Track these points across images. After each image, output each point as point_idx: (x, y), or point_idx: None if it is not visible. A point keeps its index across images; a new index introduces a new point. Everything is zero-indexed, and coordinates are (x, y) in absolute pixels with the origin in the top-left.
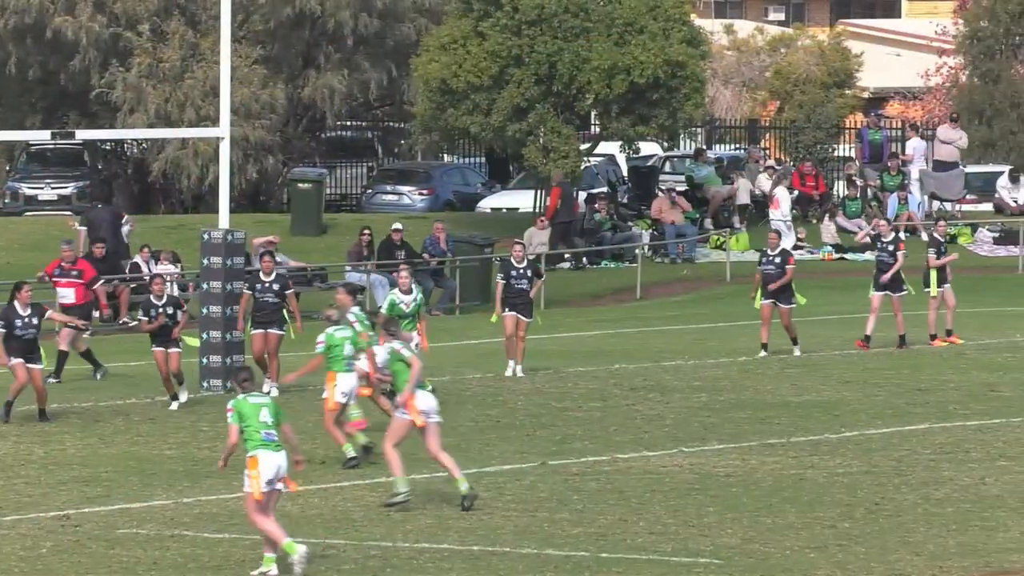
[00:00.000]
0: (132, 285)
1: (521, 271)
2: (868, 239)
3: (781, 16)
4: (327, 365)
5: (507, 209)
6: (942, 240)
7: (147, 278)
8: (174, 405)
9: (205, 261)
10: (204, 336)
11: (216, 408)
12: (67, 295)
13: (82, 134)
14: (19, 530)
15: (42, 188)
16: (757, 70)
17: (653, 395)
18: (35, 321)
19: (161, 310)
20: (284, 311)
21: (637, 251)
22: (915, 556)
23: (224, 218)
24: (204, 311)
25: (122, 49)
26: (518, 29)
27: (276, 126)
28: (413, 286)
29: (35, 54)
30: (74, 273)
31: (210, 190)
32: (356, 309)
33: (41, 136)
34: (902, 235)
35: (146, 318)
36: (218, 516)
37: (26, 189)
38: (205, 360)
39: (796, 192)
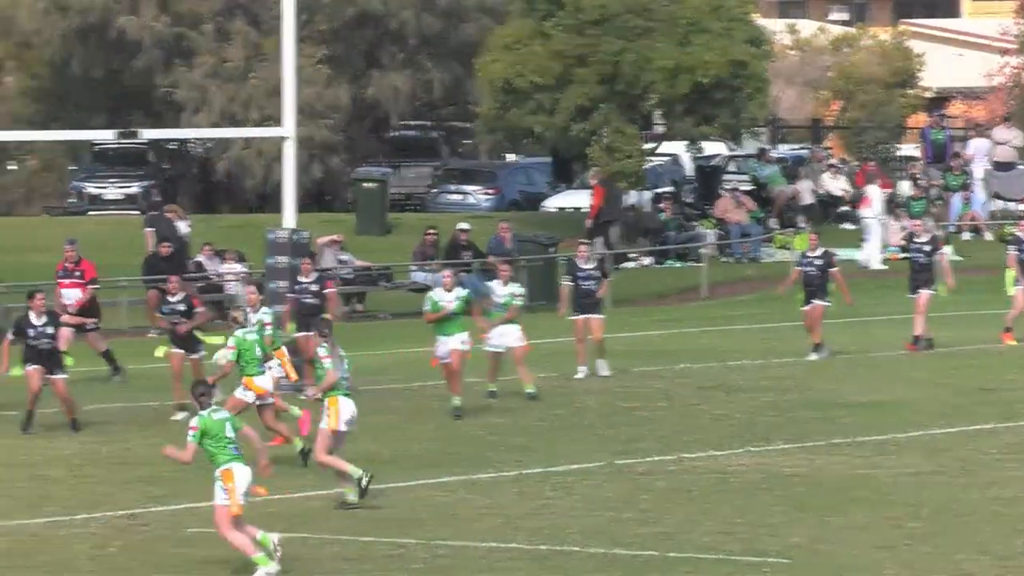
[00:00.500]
0: (199, 284)
1: (588, 271)
2: (904, 240)
3: (843, 16)
4: (241, 370)
5: (572, 208)
6: None
7: (212, 276)
8: (179, 415)
9: (271, 260)
10: None
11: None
12: (71, 296)
13: (147, 134)
14: (89, 529)
15: (106, 187)
16: (820, 70)
17: (719, 395)
18: (50, 330)
19: (172, 308)
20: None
21: (702, 251)
22: (982, 556)
23: (289, 217)
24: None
25: (185, 48)
26: (581, 29)
27: (340, 126)
28: (457, 286)
29: (99, 54)
30: (77, 274)
31: (274, 189)
32: (266, 308)
33: (106, 136)
34: (966, 235)
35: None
36: (287, 515)
37: (91, 188)
38: None
39: (889, 192)
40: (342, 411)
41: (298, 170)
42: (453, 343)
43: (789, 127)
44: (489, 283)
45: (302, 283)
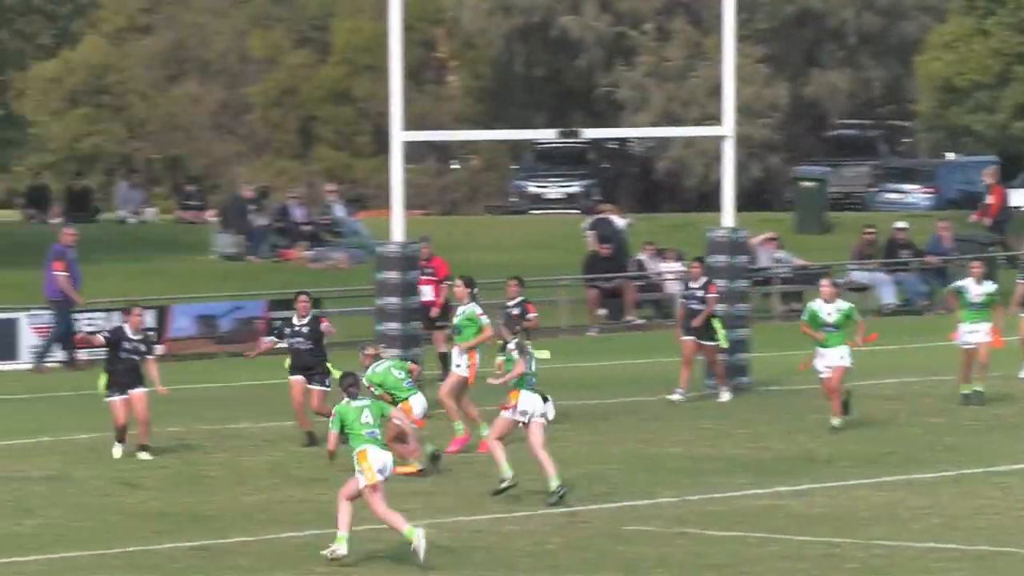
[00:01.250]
0: (639, 283)
1: None
2: None
3: None
4: (392, 399)
5: (1013, 207)
6: None
7: (652, 275)
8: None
9: (710, 259)
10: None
11: (722, 407)
12: (423, 292)
13: (588, 133)
14: (528, 526)
15: (548, 187)
16: None
17: None
18: (306, 331)
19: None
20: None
21: None
22: None
23: (728, 216)
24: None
25: (626, 48)
26: (1022, 27)
27: (779, 124)
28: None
29: (541, 53)
30: (428, 271)
31: (714, 188)
32: (472, 305)
33: (547, 135)
34: None
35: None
36: (724, 514)
37: (532, 187)
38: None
39: None
40: (522, 403)
41: (737, 169)
42: (832, 357)
43: None
44: (962, 282)
45: (691, 287)
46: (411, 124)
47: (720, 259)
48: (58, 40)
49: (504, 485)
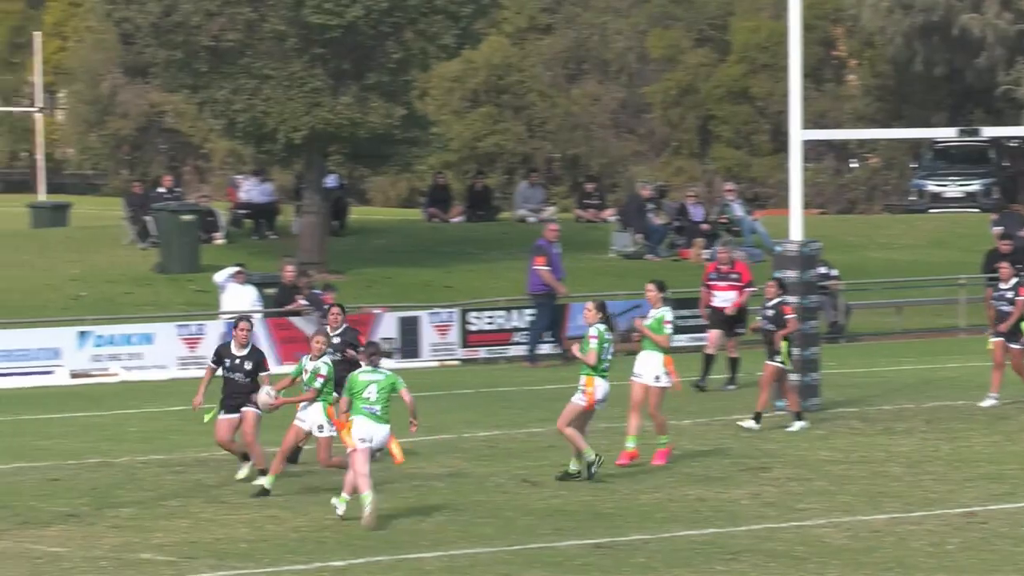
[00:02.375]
0: None
1: None
2: None
3: None
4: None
5: None
6: None
7: None
8: (796, 425)
9: None
10: None
11: None
12: (725, 298)
13: (988, 131)
14: (926, 526)
15: (947, 185)
16: None
17: None
18: (336, 342)
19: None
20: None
21: None
22: None
23: None
24: None
25: None
26: None
27: None
28: None
29: (941, 51)
30: (733, 276)
31: None
32: (665, 309)
33: (947, 133)
34: None
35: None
36: None
37: (931, 186)
38: None
39: None
40: (597, 389)
41: None
42: None
43: None
44: None
45: (1001, 289)
46: (810, 123)
47: None
48: (460, 40)
49: (575, 470)
